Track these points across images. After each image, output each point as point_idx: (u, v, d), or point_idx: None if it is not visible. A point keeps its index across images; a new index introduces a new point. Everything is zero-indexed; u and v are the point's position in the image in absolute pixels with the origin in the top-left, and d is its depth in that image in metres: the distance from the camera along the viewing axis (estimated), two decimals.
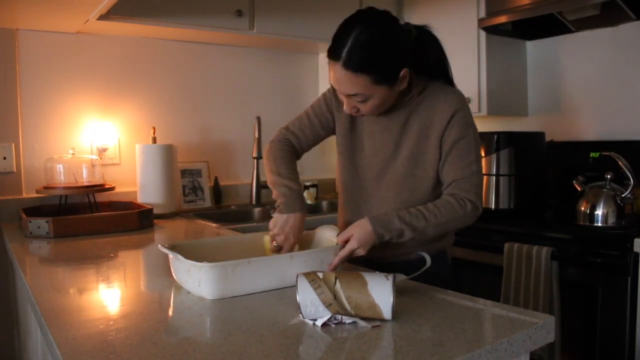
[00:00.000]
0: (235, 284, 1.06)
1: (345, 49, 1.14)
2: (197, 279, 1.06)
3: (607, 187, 1.97)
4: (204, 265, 1.04)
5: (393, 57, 1.18)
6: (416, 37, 1.26)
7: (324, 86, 2.95)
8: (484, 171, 2.24)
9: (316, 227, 1.38)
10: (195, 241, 1.50)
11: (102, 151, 2.31)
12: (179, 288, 1.15)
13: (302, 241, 1.34)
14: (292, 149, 1.42)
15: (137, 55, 2.42)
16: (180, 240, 1.78)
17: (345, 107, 1.26)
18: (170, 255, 1.12)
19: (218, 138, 2.66)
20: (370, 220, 1.19)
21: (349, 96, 1.21)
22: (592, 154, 2.28)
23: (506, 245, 2.00)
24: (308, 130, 1.43)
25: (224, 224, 2.09)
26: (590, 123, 2.46)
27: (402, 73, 1.20)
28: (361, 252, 1.18)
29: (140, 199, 2.25)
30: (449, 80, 1.34)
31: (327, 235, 1.30)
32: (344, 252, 1.17)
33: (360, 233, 1.18)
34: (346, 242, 1.19)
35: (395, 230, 1.19)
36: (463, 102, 1.28)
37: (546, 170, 2.39)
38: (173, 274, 1.18)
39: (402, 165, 1.31)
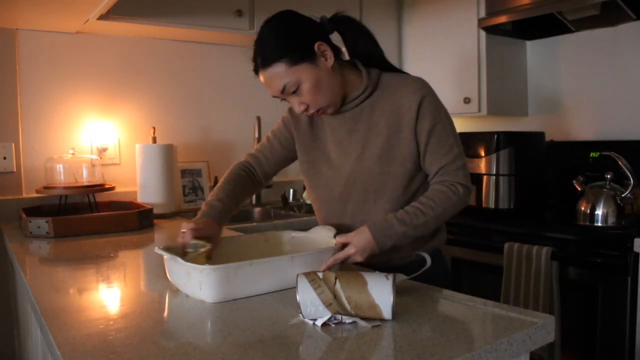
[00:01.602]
0: (237, 286, 1.05)
1: (259, 55, 1.20)
2: (197, 282, 1.04)
3: (607, 187, 1.97)
4: (206, 267, 1.02)
5: (298, 33, 1.20)
6: (330, 22, 1.27)
7: None
8: (483, 171, 2.27)
9: (311, 228, 1.37)
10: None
11: (102, 151, 2.31)
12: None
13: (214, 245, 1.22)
14: (246, 172, 1.42)
15: (137, 55, 2.42)
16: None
17: (295, 109, 1.27)
18: (168, 257, 1.10)
19: (218, 138, 2.66)
20: (370, 228, 1.18)
21: (287, 95, 1.22)
22: (592, 154, 2.28)
23: (506, 245, 2.00)
24: (267, 151, 1.44)
25: None
26: (590, 123, 2.46)
27: (316, 46, 1.19)
28: (358, 258, 1.18)
29: (140, 199, 2.25)
30: (391, 68, 1.33)
31: (323, 234, 1.29)
32: (339, 255, 1.16)
33: (359, 240, 1.17)
34: (345, 244, 1.18)
35: (397, 235, 1.18)
36: (425, 87, 1.26)
37: (546, 170, 2.39)
38: (169, 277, 1.16)
39: (375, 165, 1.27)
